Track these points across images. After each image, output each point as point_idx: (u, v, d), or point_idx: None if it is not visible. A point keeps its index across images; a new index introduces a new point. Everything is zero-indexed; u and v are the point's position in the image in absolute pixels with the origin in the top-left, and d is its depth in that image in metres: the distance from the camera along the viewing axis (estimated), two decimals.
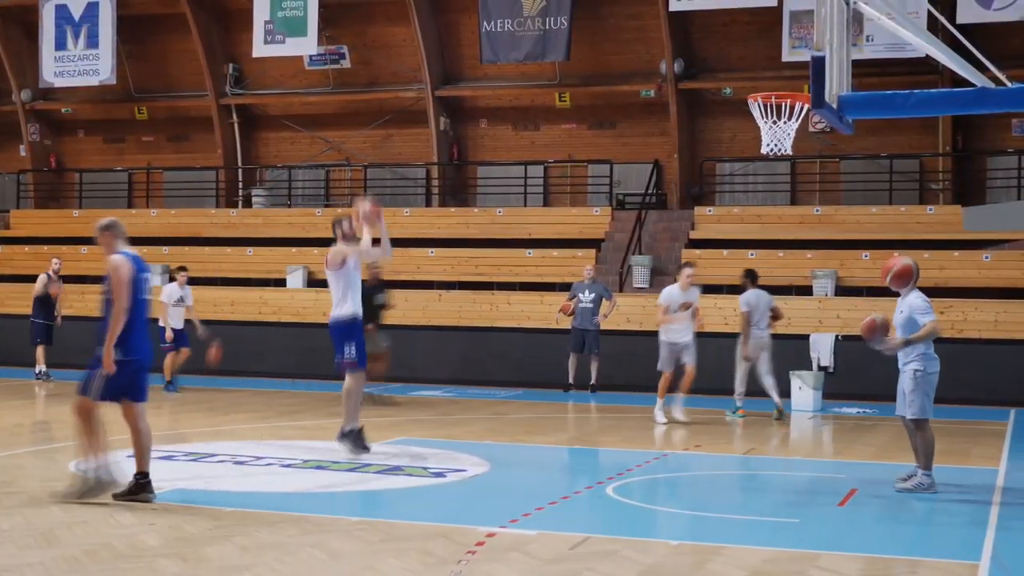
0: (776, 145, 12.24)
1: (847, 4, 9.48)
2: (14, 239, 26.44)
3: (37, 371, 19.61)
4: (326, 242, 24.18)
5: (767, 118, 12.21)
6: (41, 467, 11.12)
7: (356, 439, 11.60)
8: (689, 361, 15.17)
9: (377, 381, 16.36)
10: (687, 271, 15.31)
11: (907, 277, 10.20)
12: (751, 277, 16.14)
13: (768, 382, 15.79)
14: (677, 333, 15.21)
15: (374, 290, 16.64)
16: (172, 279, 18.72)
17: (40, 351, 19.69)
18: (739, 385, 16.04)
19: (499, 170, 26.11)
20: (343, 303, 11.68)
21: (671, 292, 15.28)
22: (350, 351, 11.62)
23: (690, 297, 15.19)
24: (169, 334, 17.82)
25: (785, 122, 12.01)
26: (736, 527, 8.69)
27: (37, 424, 14.83)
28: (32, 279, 20.73)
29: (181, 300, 18.04)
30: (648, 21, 24.22)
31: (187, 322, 18.04)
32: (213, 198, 27.47)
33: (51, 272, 20.02)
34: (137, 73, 28.07)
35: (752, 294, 15.94)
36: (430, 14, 25.56)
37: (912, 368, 10.07)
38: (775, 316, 16.10)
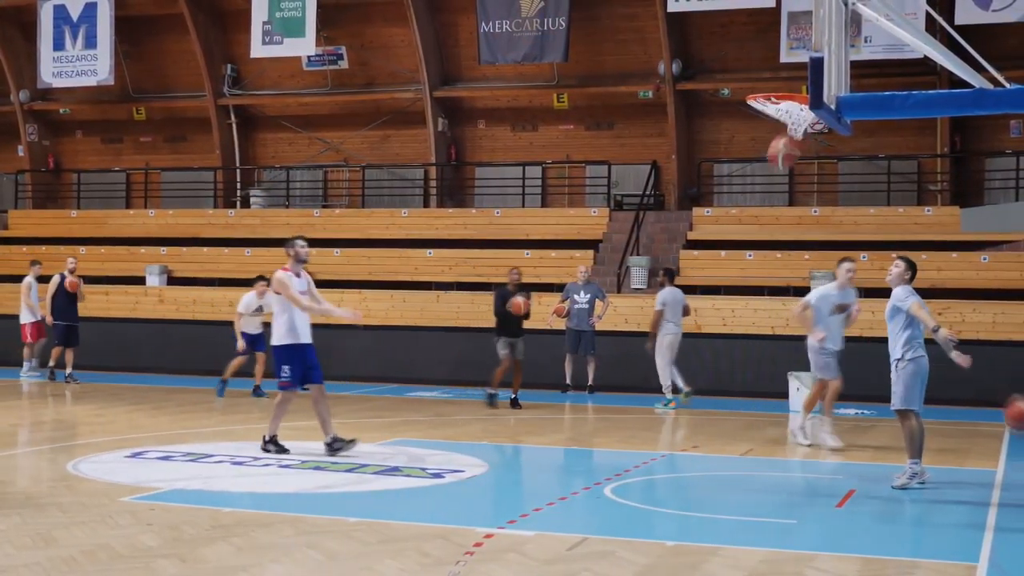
0: (794, 128, 11.75)
1: (845, 5, 9.48)
2: (12, 239, 26.42)
3: (66, 373, 19.37)
4: (325, 243, 24.37)
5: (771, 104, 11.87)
6: (39, 467, 11.12)
7: (273, 444, 11.70)
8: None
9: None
10: (846, 266, 13.03)
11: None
12: (669, 276, 17.33)
13: (674, 371, 17.10)
14: (834, 340, 13.04)
15: (510, 295, 16.45)
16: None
17: (58, 352, 19.55)
18: (665, 379, 17.01)
19: (497, 171, 26.11)
20: (287, 329, 11.64)
21: (826, 293, 13.02)
22: (284, 374, 11.70)
23: (847, 298, 13.06)
24: (241, 344, 17.47)
25: (800, 109, 11.71)
26: (733, 528, 8.69)
27: (35, 424, 14.80)
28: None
29: (260, 309, 17.63)
30: (646, 22, 24.24)
31: (266, 325, 17.51)
32: (211, 198, 27.47)
33: (66, 272, 19.70)
34: (135, 74, 28.07)
35: (668, 292, 17.09)
36: (428, 15, 25.56)
37: (894, 359, 10.35)
38: (685, 312, 17.21)
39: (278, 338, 11.71)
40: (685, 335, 19.01)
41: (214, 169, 27.51)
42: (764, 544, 7.95)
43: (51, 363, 19.71)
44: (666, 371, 17.03)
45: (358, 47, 26.46)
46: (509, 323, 16.64)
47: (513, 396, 16.83)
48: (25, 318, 20.26)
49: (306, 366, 11.76)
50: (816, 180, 24.35)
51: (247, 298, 17.88)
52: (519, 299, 16.37)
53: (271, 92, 27.44)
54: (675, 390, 17.20)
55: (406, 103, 26.38)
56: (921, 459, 10.36)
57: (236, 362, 17.79)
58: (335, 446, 11.65)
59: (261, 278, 17.83)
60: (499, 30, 24.11)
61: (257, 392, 17.75)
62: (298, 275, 11.80)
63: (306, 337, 11.78)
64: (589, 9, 24.42)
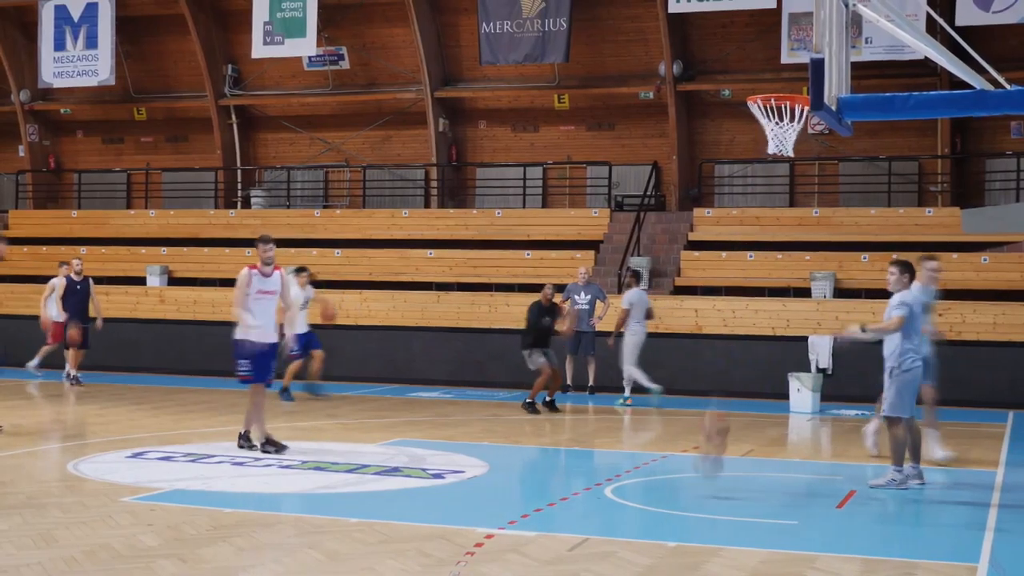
0: (780, 146, 12.08)
1: (846, 6, 9.49)
2: (13, 239, 26.31)
3: (67, 374, 19.12)
4: (325, 243, 24.36)
5: (770, 119, 12.09)
6: (40, 467, 11.13)
7: (271, 444, 11.77)
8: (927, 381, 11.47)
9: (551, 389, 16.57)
10: (931, 265, 11.65)
11: None
12: (636, 278, 18.11)
13: (629, 371, 17.46)
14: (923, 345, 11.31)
15: (545, 312, 16.37)
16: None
17: (71, 354, 19.32)
18: (628, 377, 17.47)
19: (498, 171, 26.11)
20: (242, 323, 11.75)
21: (915, 296, 10.97)
22: (242, 367, 11.78)
23: (930, 298, 11.69)
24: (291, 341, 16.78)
25: (788, 123, 11.91)
26: (734, 529, 8.69)
27: (37, 424, 14.81)
28: (32, 279, 20.67)
29: (306, 302, 16.88)
30: (647, 23, 24.24)
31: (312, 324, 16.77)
32: (212, 199, 27.47)
33: (72, 274, 19.17)
34: (136, 74, 28.08)
35: (635, 293, 17.60)
36: (429, 15, 25.57)
37: (889, 366, 10.37)
38: (648, 315, 17.58)
39: (238, 331, 11.77)
40: (686, 336, 19.04)
41: (215, 169, 27.51)
42: (765, 545, 7.95)
43: (70, 370, 19.35)
44: (632, 370, 17.39)
45: (359, 47, 26.46)
46: (542, 336, 16.45)
47: (550, 399, 16.67)
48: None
49: (262, 362, 11.77)
50: (817, 181, 24.35)
51: (294, 292, 17.36)
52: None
53: (272, 92, 27.45)
54: (639, 390, 17.46)
55: (407, 103, 26.39)
56: (919, 462, 10.38)
57: (294, 367, 17.07)
58: (243, 443, 11.85)
59: (303, 269, 17.41)
60: (500, 30, 24.12)
61: (314, 388, 17.33)
62: (267, 275, 11.79)
63: (261, 336, 11.74)
64: (590, 9, 24.42)
